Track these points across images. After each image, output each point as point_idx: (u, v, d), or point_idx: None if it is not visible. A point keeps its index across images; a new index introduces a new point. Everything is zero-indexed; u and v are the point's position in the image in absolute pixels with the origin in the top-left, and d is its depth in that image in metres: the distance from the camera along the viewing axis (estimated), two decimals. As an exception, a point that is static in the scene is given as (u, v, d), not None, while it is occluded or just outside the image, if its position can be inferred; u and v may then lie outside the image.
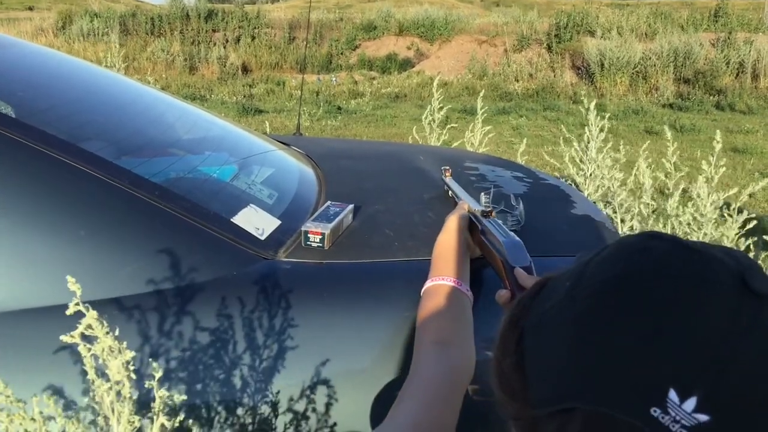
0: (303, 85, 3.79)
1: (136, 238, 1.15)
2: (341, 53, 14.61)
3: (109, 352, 0.82)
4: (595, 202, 2.77)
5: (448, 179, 1.53)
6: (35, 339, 1.05)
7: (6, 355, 1.04)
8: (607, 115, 3.14)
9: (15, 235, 1.10)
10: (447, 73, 12.82)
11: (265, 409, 1.06)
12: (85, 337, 0.83)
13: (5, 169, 1.12)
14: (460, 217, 1.18)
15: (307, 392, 1.07)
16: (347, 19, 16.46)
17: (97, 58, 12.00)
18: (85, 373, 0.86)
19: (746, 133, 7.88)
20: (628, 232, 2.70)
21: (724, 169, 2.31)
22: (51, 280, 1.08)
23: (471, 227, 1.18)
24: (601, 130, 2.92)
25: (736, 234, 2.19)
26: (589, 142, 2.91)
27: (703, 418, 0.40)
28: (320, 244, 1.24)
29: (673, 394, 0.41)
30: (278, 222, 1.31)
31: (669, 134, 2.55)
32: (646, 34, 12.70)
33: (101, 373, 0.87)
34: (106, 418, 0.86)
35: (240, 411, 1.06)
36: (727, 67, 11.37)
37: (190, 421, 1.04)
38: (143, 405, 0.95)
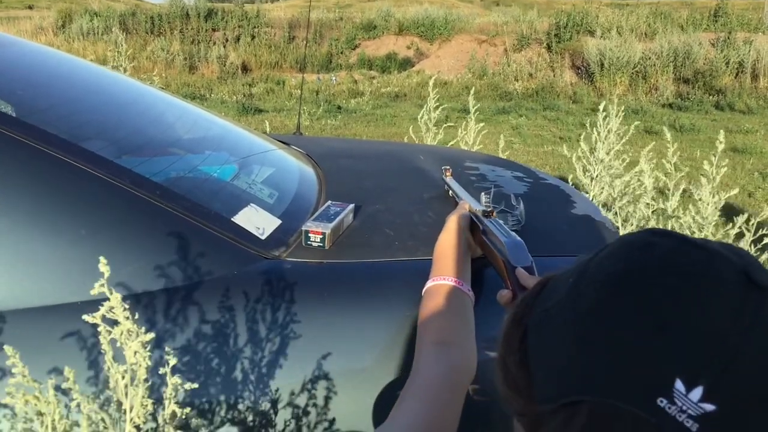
0: (303, 84, 3.79)
1: (137, 237, 1.15)
2: (341, 52, 14.61)
3: (127, 335, 0.83)
4: (599, 205, 2.77)
5: (449, 179, 1.53)
6: (39, 337, 1.05)
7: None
8: (619, 119, 3.12)
9: (16, 234, 1.10)
10: (447, 73, 12.82)
11: (266, 408, 1.06)
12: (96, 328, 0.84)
13: (6, 168, 1.12)
14: (461, 216, 1.18)
15: (308, 391, 1.07)
16: (347, 18, 16.46)
17: (98, 56, 11.98)
18: (92, 368, 0.87)
19: (746, 133, 7.89)
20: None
21: (725, 169, 2.31)
22: (52, 279, 1.09)
23: (472, 227, 1.18)
24: (609, 132, 2.91)
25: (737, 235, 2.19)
26: (596, 143, 2.90)
27: (709, 407, 0.41)
28: (321, 244, 1.24)
29: (679, 384, 0.41)
30: (279, 221, 1.31)
31: (669, 135, 2.55)
32: (645, 33, 12.71)
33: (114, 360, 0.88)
34: (119, 402, 0.87)
35: (241, 410, 1.06)
36: (727, 67, 11.37)
37: (192, 420, 1.04)
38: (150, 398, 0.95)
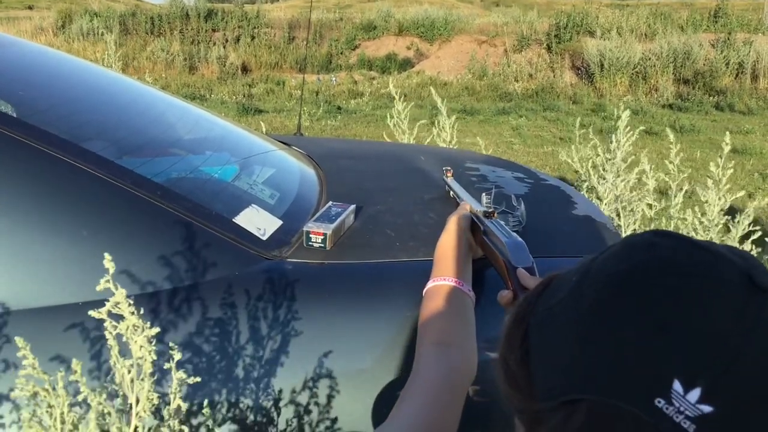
0: (303, 85, 3.79)
1: (138, 238, 1.15)
2: (341, 53, 14.61)
3: (133, 330, 0.83)
4: (611, 210, 2.76)
5: (450, 180, 1.53)
6: (40, 338, 1.05)
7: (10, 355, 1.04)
8: (611, 120, 3.11)
9: (17, 234, 1.10)
10: (447, 73, 12.82)
11: (267, 408, 1.07)
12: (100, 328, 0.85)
13: (6, 168, 1.12)
14: (462, 217, 1.18)
15: (309, 391, 1.07)
16: (347, 18, 16.46)
17: (94, 57, 11.99)
18: (96, 365, 0.87)
19: (745, 133, 7.89)
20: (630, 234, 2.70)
21: (731, 171, 2.30)
22: (53, 279, 1.09)
23: (473, 228, 1.18)
24: (601, 132, 2.89)
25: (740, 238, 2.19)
26: (615, 151, 2.87)
27: (707, 409, 0.41)
28: (322, 245, 1.24)
29: (677, 385, 0.41)
30: (280, 222, 1.31)
31: (672, 137, 2.55)
32: (645, 34, 12.71)
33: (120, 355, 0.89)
34: (125, 397, 0.88)
35: (243, 409, 1.06)
36: (727, 67, 11.38)
37: (195, 419, 1.04)
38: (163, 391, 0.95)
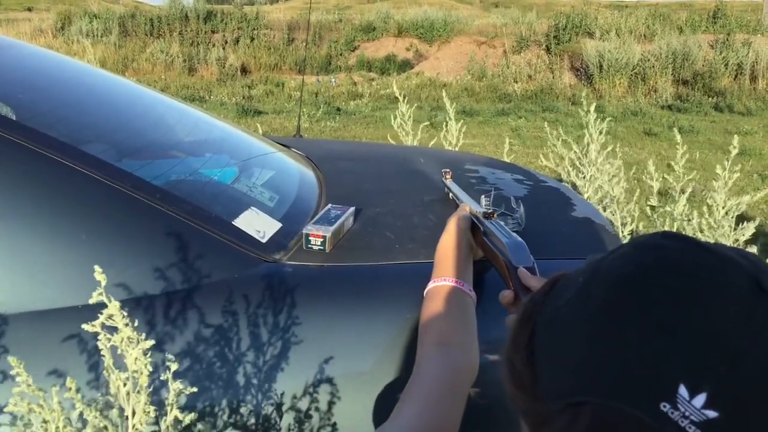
0: (302, 86, 3.79)
1: (137, 241, 1.15)
2: (340, 54, 14.62)
3: (128, 342, 0.83)
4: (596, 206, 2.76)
5: (449, 181, 1.53)
6: (39, 341, 1.05)
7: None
8: (608, 119, 3.12)
9: (14, 238, 1.10)
10: (446, 75, 12.83)
11: (267, 412, 1.06)
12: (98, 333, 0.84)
13: (5, 171, 1.12)
14: (462, 218, 1.18)
15: (309, 394, 1.07)
16: (346, 20, 16.47)
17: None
18: (93, 370, 0.87)
19: (745, 134, 7.89)
20: (628, 235, 2.70)
21: (737, 174, 2.30)
22: (52, 283, 1.09)
23: (473, 229, 1.18)
24: (601, 132, 2.91)
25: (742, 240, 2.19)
26: (589, 145, 2.90)
27: (712, 414, 0.40)
28: (321, 247, 1.24)
29: (683, 390, 0.41)
30: (279, 225, 1.31)
31: (678, 137, 2.54)
32: (644, 35, 12.71)
33: (116, 367, 0.88)
34: (121, 409, 0.87)
35: (243, 413, 1.06)
36: (726, 68, 11.38)
37: (194, 425, 1.04)
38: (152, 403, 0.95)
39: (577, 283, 0.51)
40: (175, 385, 0.88)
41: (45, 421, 0.85)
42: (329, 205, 1.39)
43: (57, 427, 0.84)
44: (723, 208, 2.23)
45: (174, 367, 0.88)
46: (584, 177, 2.92)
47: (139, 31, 15.10)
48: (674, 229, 2.40)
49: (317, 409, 1.08)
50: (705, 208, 2.32)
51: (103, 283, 0.84)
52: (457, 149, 3.41)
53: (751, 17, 14.17)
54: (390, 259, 1.25)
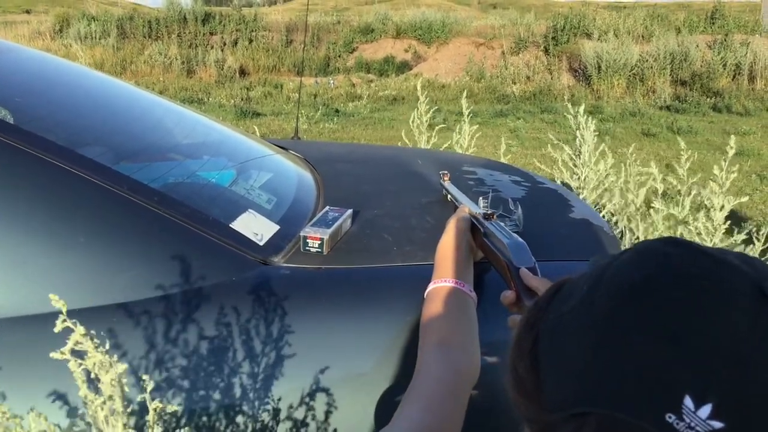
0: (301, 88, 3.79)
1: (135, 244, 1.15)
2: (338, 56, 14.61)
3: (100, 366, 0.81)
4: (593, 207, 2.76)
5: (447, 183, 1.53)
6: (33, 346, 1.05)
7: (3, 362, 1.03)
8: (599, 117, 3.12)
9: (13, 241, 1.10)
10: (444, 76, 12.83)
11: (265, 416, 1.06)
12: (76, 351, 0.82)
13: (2, 174, 1.12)
14: (462, 219, 1.18)
15: (307, 398, 1.07)
16: (344, 21, 16.47)
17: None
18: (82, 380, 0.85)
19: (743, 134, 7.89)
20: (625, 235, 2.70)
21: (735, 174, 2.30)
22: (49, 286, 1.08)
23: (473, 230, 1.18)
24: (599, 134, 2.90)
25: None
26: (581, 146, 2.90)
27: (717, 425, 0.40)
28: (319, 250, 1.24)
29: (688, 401, 0.41)
30: (277, 227, 1.31)
31: (683, 143, 2.52)
32: (642, 36, 12.72)
33: (95, 386, 0.86)
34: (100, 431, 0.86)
35: (240, 417, 1.06)
36: (724, 69, 11.39)
37: (190, 428, 1.04)
38: (145, 409, 0.95)
39: (581, 289, 0.51)
40: (155, 404, 0.87)
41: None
42: (327, 207, 1.39)
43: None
44: (720, 210, 2.23)
45: (150, 386, 0.87)
46: (578, 178, 2.92)
47: (137, 34, 15.10)
48: (671, 233, 2.40)
49: (316, 412, 1.08)
50: (702, 211, 2.31)
51: (65, 310, 0.82)
52: (470, 152, 3.41)
53: (749, 18, 14.18)
54: (388, 261, 1.25)
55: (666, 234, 2.34)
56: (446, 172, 1.57)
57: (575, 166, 2.95)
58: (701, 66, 11.50)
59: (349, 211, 1.38)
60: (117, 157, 1.42)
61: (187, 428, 1.03)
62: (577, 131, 2.94)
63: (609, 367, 0.44)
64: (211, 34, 15.17)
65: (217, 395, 1.05)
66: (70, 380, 0.99)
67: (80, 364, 0.83)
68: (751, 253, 2.07)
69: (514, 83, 12.07)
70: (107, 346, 0.99)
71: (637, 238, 2.55)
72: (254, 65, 14.25)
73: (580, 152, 2.93)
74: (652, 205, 2.49)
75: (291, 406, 1.07)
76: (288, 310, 1.10)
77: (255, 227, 1.27)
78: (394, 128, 8.45)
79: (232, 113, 9.52)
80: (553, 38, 12.85)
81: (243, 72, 14.02)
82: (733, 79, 11.42)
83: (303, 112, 9.28)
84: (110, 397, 0.84)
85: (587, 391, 0.45)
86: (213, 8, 16.53)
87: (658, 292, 0.46)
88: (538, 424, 0.50)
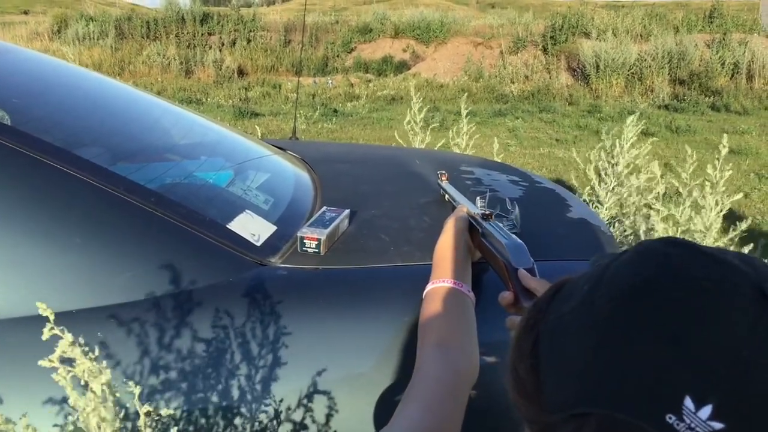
0: (299, 88, 3.79)
1: (132, 245, 1.15)
2: (337, 56, 14.62)
3: (89, 373, 0.81)
4: (614, 217, 2.75)
5: (445, 183, 1.53)
6: (29, 347, 1.04)
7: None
8: (607, 121, 3.11)
9: (9, 242, 1.09)
10: (443, 75, 12.83)
11: (263, 417, 1.06)
12: (66, 358, 0.81)
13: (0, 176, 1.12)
14: (460, 219, 1.18)
15: (306, 399, 1.07)
16: (343, 21, 16.47)
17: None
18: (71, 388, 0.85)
19: (741, 133, 7.90)
20: (624, 235, 2.70)
21: (730, 172, 2.29)
22: (46, 287, 1.08)
23: (471, 230, 1.18)
24: (633, 146, 2.87)
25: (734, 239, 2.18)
26: (618, 157, 2.86)
27: (717, 426, 0.40)
28: (316, 250, 1.24)
29: (688, 402, 0.41)
30: (274, 228, 1.31)
31: (689, 150, 2.51)
32: (641, 35, 12.73)
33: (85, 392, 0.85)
34: None
35: (238, 418, 1.06)
36: (722, 68, 11.40)
37: (189, 430, 1.04)
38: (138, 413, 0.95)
39: (581, 290, 0.50)
40: (144, 409, 0.87)
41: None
42: (324, 208, 1.39)
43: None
44: (714, 209, 2.23)
45: (137, 392, 0.86)
46: (607, 188, 2.89)
47: (135, 34, 15.09)
48: (670, 233, 2.40)
49: (315, 413, 1.07)
50: (694, 213, 2.31)
51: (52, 318, 0.81)
52: (468, 152, 3.40)
53: (747, 17, 14.19)
54: (385, 262, 1.24)
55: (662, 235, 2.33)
56: (444, 172, 1.57)
57: (606, 174, 2.92)
58: (699, 65, 11.51)
59: (347, 212, 1.38)
60: (114, 157, 1.41)
61: (183, 430, 1.03)
62: (617, 140, 2.90)
63: (609, 367, 0.44)
64: (210, 34, 15.17)
65: (214, 397, 1.05)
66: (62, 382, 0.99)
67: (69, 372, 0.83)
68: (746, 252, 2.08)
69: (513, 83, 12.08)
70: (104, 348, 0.99)
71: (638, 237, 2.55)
72: (252, 65, 14.25)
73: (616, 160, 2.89)
74: (653, 206, 2.49)
75: (289, 408, 1.07)
76: (285, 310, 1.10)
77: (252, 228, 1.26)
78: (392, 128, 8.45)
79: (231, 113, 9.51)
80: (551, 38, 12.86)
81: (241, 72, 14.02)
82: (731, 78, 11.43)
83: (301, 112, 9.28)
84: (100, 403, 0.84)
85: (587, 391, 0.45)
86: (211, 8, 16.53)
87: (658, 293, 0.46)
88: (539, 425, 0.49)
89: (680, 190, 2.43)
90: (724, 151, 2.24)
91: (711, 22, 13.47)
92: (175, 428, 0.96)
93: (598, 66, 11.45)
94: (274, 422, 1.07)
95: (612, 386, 0.44)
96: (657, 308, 0.45)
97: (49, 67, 1.88)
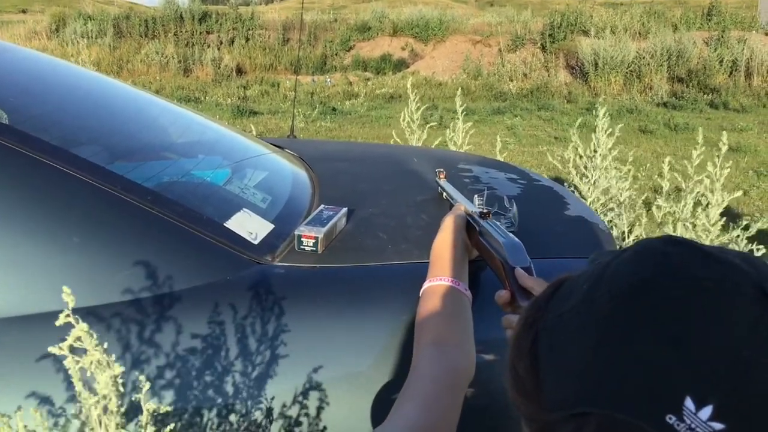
0: (297, 86, 3.78)
1: (129, 243, 1.14)
2: (335, 54, 14.61)
3: (97, 365, 0.81)
4: (596, 210, 2.76)
5: (442, 181, 1.53)
6: (26, 347, 1.04)
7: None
8: (606, 119, 3.12)
9: (6, 241, 1.09)
10: (442, 74, 12.83)
11: (260, 415, 1.06)
12: (73, 349, 0.81)
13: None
14: (458, 217, 1.18)
15: (302, 397, 1.07)
16: (341, 19, 16.46)
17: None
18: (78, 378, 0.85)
19: (740, 131, 7.90)
20: (623, 234, 2.70)
21: (728, 170, 2.29)
22: (44, 287, 1.08)
23: (468, 229, 1.18)
24: (610, 134, 2.88)
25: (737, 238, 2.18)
26: (596, 150, 2.87)
27: (718, 426, 0.40)
28: (314, 248, 1.24)
29: (689, 402, 0.41)
30: (271, 226, 1.31)
31: (695, 152, 2.51)
32: (639, 33, 12.73)
33: (89, 386, 0.85)
34: (93, 431, 0.85)
35: (235, 417, 1.06)
36: (721, 65, 11.40)
37: (185, 428, 1.03)
38: (138, 409, 0.95)
39: (581, 288, 0.50)
40: (149, 406, 0.87)
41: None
42: (322, 206, 1.39)
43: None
44: (720, 206, 2.23)
45: (146, 387, 0.86)
46: (589, 181, 2.90)
47: (133, 33, 15.07)
48: (671, 230, 2.40)
49: (312, 411, 1.07)
50: (699, 208, 2.31)
51: (71, 305, 0.81)
52: (463, 150, 3.40)
53: (745, 14, 14.20)
54: (383, 260, 1.24)
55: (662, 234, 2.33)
56: (442, 169, 1.56)
57: (585, 168, 2.93)
58: (698, 63, 11.51)
59: (344, 210, 1.38)
60: (111, 156, 1.41)
61: (181, 428, 1.03)
62: (593, 134, 2.92)
63: (609, 367, 0.44)
64: (208, 32, 15.15)
65: (212, 395, 1.05)
66: (57, 381, 0.99)
67: (77, 362, 0.83)
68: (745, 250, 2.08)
69: (511, 81, 12.07)
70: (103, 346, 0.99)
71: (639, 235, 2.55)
72: (251, 64, 14.24)
73: (594, 155, 2.91)
74: (657, 202, 2.49)
75: (286, 405, 1.07)
76: (283, 309, 1.10)
77: (249, 226, 1.26)
78: (390, 126, 8.44)
79: (229, 112, 9.50)
80: (550, 35, 12.86)
81: (240, 71, 14.01)
82: (729, 76, 11.43)
83: (300, 110, 9.27)
84: (105, 397, 0.84)
85: (587, 391, 0.45)
86: (210, 7, 16.51)
87: (658, 292, 0.45)
88: (538, 423, 0.49)
89: (683, 185, 2.43)
90: (724, 149, 2.24)
91: (709, 20, 13.48)
92: (171, 425, 0.96)
93: (596, 64, 11.45)
94: (272, 420, 1.06)
95: (612, 386, 0.43)
96: (657, 307, 0.45)
97: (46, 66, 1.88)
